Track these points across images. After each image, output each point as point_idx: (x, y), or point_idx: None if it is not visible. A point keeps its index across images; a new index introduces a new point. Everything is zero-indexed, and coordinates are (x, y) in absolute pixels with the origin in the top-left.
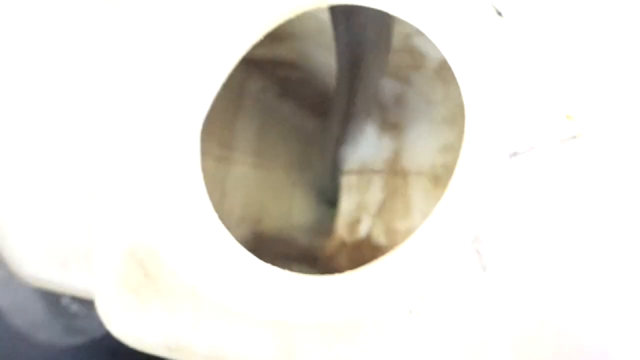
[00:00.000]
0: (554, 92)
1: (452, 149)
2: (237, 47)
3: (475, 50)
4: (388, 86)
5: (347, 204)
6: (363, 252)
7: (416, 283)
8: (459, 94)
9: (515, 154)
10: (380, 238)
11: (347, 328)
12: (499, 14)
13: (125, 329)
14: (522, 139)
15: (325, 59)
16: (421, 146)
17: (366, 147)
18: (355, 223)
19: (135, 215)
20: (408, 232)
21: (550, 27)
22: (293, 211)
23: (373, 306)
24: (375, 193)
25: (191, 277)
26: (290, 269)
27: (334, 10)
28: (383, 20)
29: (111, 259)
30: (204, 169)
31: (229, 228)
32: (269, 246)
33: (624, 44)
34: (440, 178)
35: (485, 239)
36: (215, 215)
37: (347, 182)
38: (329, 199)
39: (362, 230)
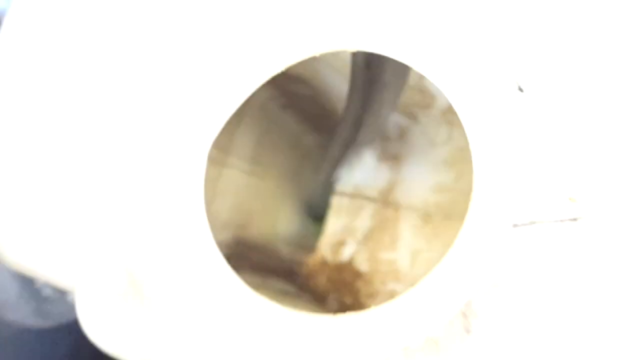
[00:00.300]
0: (560, 172)
1: (447, 189)
2: (259, 76)
3: (492, 121)
4: (394, 119)
5: (334, 224)
6: (343, 276)
7: (400, 336)
8: (462, 138)
9: (515, 225)
10: (362, 265)
11: None
12: (520, 90)
13: (103, 335)
14: (524, 213)
15: (335, 80)
16: (417, 182)
17: (362, 172)
18: (339, 245)
19: (129, 225)
20: (391, 264)
21: (565, 110)
22: (279, 222)
23: (352, 353)
24: (364, 219)
25: (179, 295)
26: (269, 282)
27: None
28: (401, 64)
29: (99, 262)
30: None
31: (214, 230)
32: (250, 254)
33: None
34: (430, 216)
35: (474, 303)
36: (211, 239)
37: (338, 203)
38: (316, 215)
39: (346, 253)
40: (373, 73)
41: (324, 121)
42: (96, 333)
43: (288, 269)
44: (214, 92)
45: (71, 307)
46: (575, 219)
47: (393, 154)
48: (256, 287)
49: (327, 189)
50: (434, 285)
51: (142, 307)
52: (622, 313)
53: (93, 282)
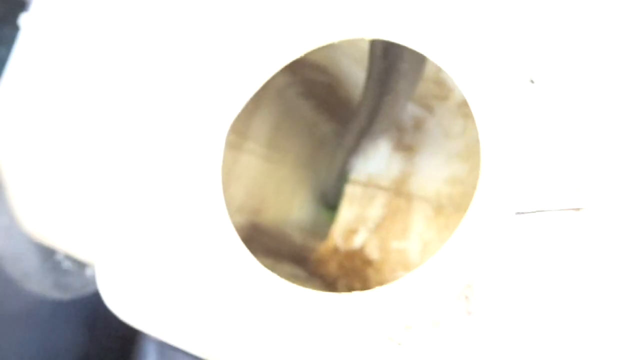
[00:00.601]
0: (566, 162)
1: (460, 182)
2: (279, 61)
3: (501, 111)
4: (411, 110)
5: (347, 212)
6: (354, 263)
7: (403, 315)
8: (476, 131)
9: (518, 213)
10: (373, 253)
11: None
12: (532, 82)
13: (121, 303)
14: (528, 201)
15: (353, 69)
16: (430, 173)
17: (377, 162)
18: (351, 233)
19: (149, 202)
20: (401, 253)
21: (572, 101)
22: (292, 208)
23: (357, 329)
24: (376, 208)
25: (196, 271)
26: (281, 266)
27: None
28: (418, 54)
29: (118, 236)
30: None
31: (229, 213)
32: (263, 238)
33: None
34: (442, 208)
35: (476, 286)
36: (227, 216)
37: (351, 192)
38: (329, 203)
39: (357, 241)
40: (390, 62)
41: (340, 110)
42: (115, 303)
43: (300, 255)
44: (233, 76)
45: (89, 281)
46: (578, 209)
47: (408, 144)
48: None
49: (341, 178)
50: (437, 267)
51: (160, 278)
52: (621, 301)
53: (113, 254)
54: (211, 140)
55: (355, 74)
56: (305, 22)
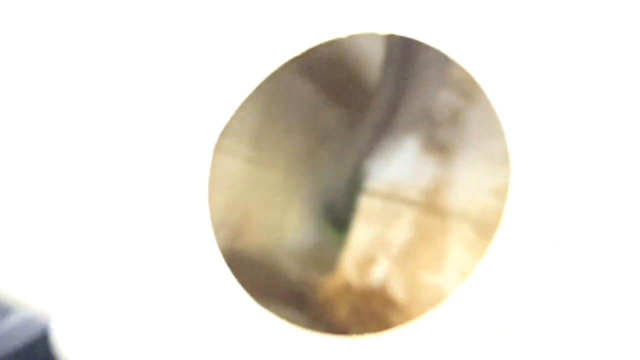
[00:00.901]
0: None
1: (506, 193)
2: (282, 55)
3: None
4: (445, 97)
5: (361, 234)
6: (371, 304)
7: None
8: None
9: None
10: (397, 290)
11: None
12: None
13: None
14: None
15: (367, 39)
16: (471, 182)
17: (401, 166)
18: (367, 263)
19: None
20: (435, 290)
21: None
22: (286, 227)
23: None
24: (401, 229)
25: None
26: (273, 308)
27: None
28: None
29: (78, 283)
30: None
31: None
32: (246, 270)
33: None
34: (487, 228)
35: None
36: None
37: (368, 206)
38: (337, 221)
39: (376, 274)
40: (411, 50)
41: (351, 91)
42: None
43: (298, 294)
44: (224, 76)
45: (13, 332)
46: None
47: (441, 143)
48: None
49: (354, 186)
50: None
51: (121, 323)
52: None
53: (72, 303)
54: (197, 154)
55: (371, 45)
56: (309, 18)
